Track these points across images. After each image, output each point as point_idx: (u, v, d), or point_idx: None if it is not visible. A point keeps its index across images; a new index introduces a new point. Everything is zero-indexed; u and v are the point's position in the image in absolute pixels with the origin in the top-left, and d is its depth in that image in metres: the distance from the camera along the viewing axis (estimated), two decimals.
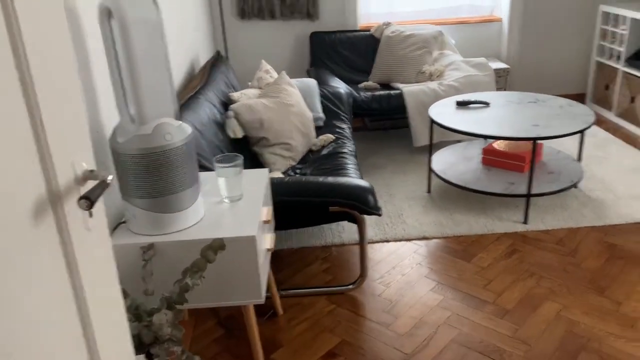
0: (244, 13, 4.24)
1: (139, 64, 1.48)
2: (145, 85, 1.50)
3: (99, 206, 0.97)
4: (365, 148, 3.94)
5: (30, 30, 0.77)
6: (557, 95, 4.68)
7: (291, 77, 4.43)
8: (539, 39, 4.54)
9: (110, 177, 0.86)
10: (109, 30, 1.49)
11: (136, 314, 1.44)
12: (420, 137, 3.70)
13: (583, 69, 4.68)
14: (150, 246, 1.58)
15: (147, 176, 1.54)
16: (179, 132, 1.58)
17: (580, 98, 4.69)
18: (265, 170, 2.00)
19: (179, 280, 1.46)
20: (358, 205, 2.15)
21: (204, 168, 2.17)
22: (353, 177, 2.55)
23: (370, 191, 2.19)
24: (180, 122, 1.60)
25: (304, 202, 2.16)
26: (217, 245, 1.48)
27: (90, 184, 0.90)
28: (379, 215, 2.18)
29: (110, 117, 1.79)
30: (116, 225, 1.69)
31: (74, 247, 0.86)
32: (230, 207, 1.76)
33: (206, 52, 3.84)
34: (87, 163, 0.90)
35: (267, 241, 1.84)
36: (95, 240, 0.94)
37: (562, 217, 2.87)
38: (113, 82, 1.54)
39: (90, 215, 0.91)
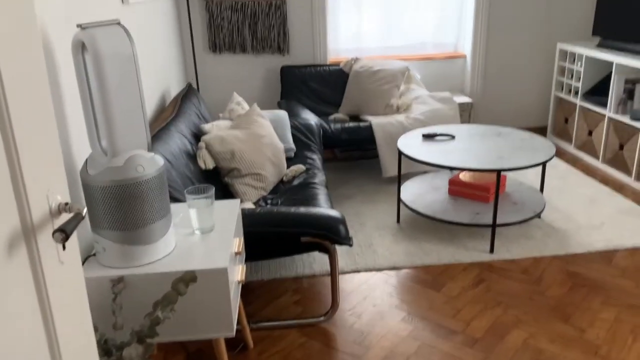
0: (215, 47, 4.30)
1: (112, 96, 1.49)
2: (117, 118, 1.51)
3: (72, 238, 0.97)
4: (335, 178, 3.99)
5: (8, 64, 0.79)
6: (520, 128, 4.85)
7: (262, 109, 4.49)
8: (502, 74, 4.72)
9: (85, 210, 0.86)
10: (82, 63, 1.51)
11: (105, 348, 1.42)
12: (389, 167, 3.77)
13: (544, 103, 4.87)
14: (120, 279, 1.57)
15: (118, 208, 1.53)
16: (151, 164, 1.58)
17: (541, 131, 4.86)
18: (236, 201, 2.01)
19: (149, 314, 1.44)
20: (329, 235, 2.17)
21: (175, 199, 2.17)
22: (324, 208, 2.58)
23: (341, 221, 2.22)
24: (153, 153, 1.61)
25: (275, 233, 2.18)
26: (188, 278, 1.47)
27: (65, 216, 0.90)
28: (350, 245, 2.20)
29: (82, 149, 1.79)
30: (85, 258, 1.67)
31: (47, 281, 0.86)
32: (202, 238, 1.76)
33: (178, 84, 3.86)
34: (61, 196, 0.91)
35: (238, 273, 1.84)
36: (67, 274, 0.93)
37: (527, 247, 2.95)
38: (85, 114, 1.55)
39: (64, 247, 0.91)
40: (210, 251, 1.68)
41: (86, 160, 1.59)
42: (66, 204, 0.89)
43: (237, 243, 1.83)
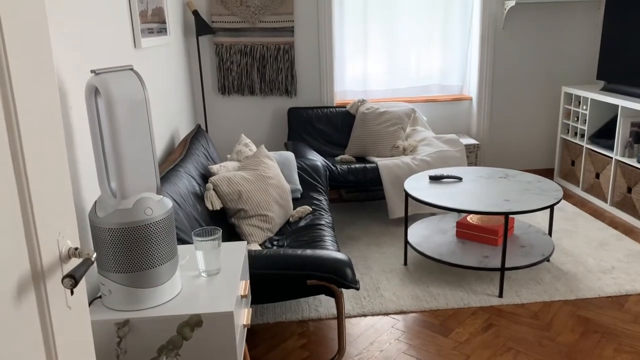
0: (224, 89, 4.38)
1: (123, 139, 1.51)
2: (127, 160, 1.53)
3: (81, 283, 0.96)
4: (341, 219, 3.98)
5: (24, 107, 0.80)
6: (526, 171, 4.86)
7: (269, 150, 4.53)
8: (508, 116, 4.77)
9: (94, 255, 0.86)
10: (95, 107, 1.54)
11: None
12: (395, 209, 3.77)
13: (550, 146, 4.89)
14: (125, 322, 1.55)
15: (125, 251, 1.53)
16: (160, 206, 1.59)
17: (548, 173, 4.87)
18: (243, 243, 2.00)
19: (154, 359, 1.42)
20: (336, 278, 2.15)
21: (182, 241, 2.17)
22: (331, 250, 2.57)
23: (348, 264, 2.20)
24: (161, 196, 1.62)
25: (281, 275, 2.16)
26: (194, 322, 1.46)
27: (74, 261, 0.90)
28: (357, 289, 2.18)
29: (91, 191, 1.80)
30: (91, 300, 1.66)
31: (54, 326, 0.85)
32: (208, 281, 1.75)
33: (187, 125, 3.92)
34: (71, 240, 0.91)
35: (243, 316, 1.82)
36: (75, 318, 0.93)
37: (536, 291, 2.90)
38: (96, 156, 1.57)
39: (72, 293, 0.91)
40: (216, 294, 1.66)
41: (95, 202, 1.60)
42: (76, 249, 0.89)
43: (243, 286, 1.82)
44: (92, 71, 1.49)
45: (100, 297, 1.65)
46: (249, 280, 1.98)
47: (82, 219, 1.70)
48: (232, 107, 4.46)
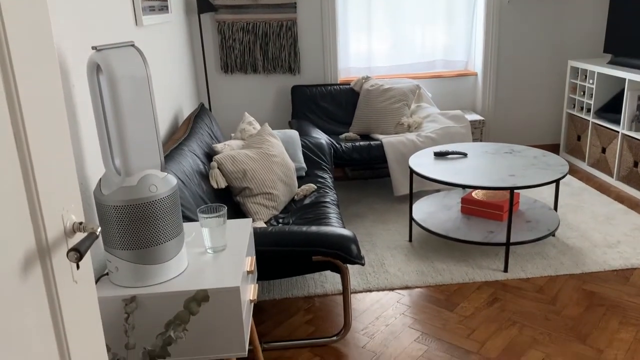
0: (227, 67, 4.35)
1: (126, 116, 1.51)
2: (131, 138, 1.53)
3: (86, 257, 0.97)
4: (346, 197, 3.98)
5: (26, 85, 0.80)
6: (532, 146, 4.83)
7: (273, 128, 4.52)
8: (513, 92, 4.72)
9: (99, 229, 0.87)
10: (97, 84, 1.53)
11: None
12: (400, 186, 3.76)
13: (556, 121, 4.85)
14: (133, 299, 1.56)
15: (131, 228, 1.54)
16: (164, 183, 1.59)
17: (554, 148, 4.84)
18: (248, 220, 2.01)
19: (161, 334, 1.44)
20: (341, 254, 2.16)
21: (187, 219, 2.17)
22: (336, 227, 2.57)
23: (353, 240, 2.21)
24: (166, 173, 1.62)
25: (287, 252, 2.17)
26: (200, 297, 1.47)
27: (79, 236, 0.90)
28: (362, 264, 2.19)
29: (95, 169, 1.80)
30: (98, 277, 1.68)
31: (61, 301, 0.86)
32: (214, 257, 1.76)
33: (190, 104, 3.90)
34: (76, 215, 0.91)
35: (250, 292, 1.83)
36: (81, 293, 0.93)
37: (541, 265, 2.91)
38: (99, 134, 1.57)
39: (78, 267, 0.91)
40: (222, 270, 1.67)
41: (100, 179, 1.60)
42: (80, 223, 0.89)
43: (249, 262, 1.83)
44: (93, 48, 1.48)
45: (107, 274, 1.66)
46: (254, 257, 1.99)
47: (87, 197, 1.71)
48: (235, 86, 4.43)
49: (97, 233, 0.86)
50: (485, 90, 4.65)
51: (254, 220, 2.78)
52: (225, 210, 1.79)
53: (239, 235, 1.90)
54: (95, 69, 1.51)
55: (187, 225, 2.00)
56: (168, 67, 3.27)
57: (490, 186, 2.73)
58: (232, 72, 4.37)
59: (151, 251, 1.58)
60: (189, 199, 2.32)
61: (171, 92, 3.29)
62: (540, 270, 2.86)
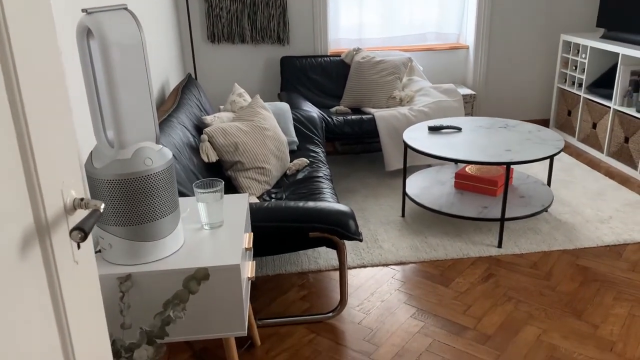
0: (214, 37, 4.21)
1: (119, 85, 1.42)
2: (124, 108, 1.44)
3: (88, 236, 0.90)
4: (337, 172, 3.92)
5: (21, 49, 0.72)
6: (522, 121, 4.81)
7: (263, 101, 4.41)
8: (504, 66, 4.67)
9: (103, 205, 0.80)
10: (87, 49, 1.43)
11: (113, 349, 1.35)
12: (393, 161, 3.71)
13: (547, 96, 4.82)
14: (128, 277, 1.50)
15: (125, 203, 1.47)
16: (160, 156, 1.52)
17: (544, 123, 4.82)
18: (245, 196, 1.94)
19: (160, 313, 1.38)
20: (339, 230, 2.11)
21: (180, 193, 2.10)
22: (331, 202, 2.52)
23: (351, 216, 2.16)
24: (161, 146, 1.54)
25: (283, 228, 2.11)
26: (201, 275, 1.41)
27: (80, 213, 0.83)
28: (360, 240, 2.15)
29: (85, 141, 1.71)
30: None
31: (61, 282, 0.79)
32: (211, 233, 1.70)
33: (176, 74, 3.78)
34: (76, 191, 0.84)
35: (248, 269, 1.77)
36: (82, 273, 0.87)
37: (535, 241, 2.90)
38: (90, 104, 1.48)
39: (79, 246, 0.84)
40: (220, 247, 1.61)
41: (91, 152, 1.51)
42: (82, 199, 0.82)
43: (247, 238, 1.77)
44: (83, 10, 1.38)
45: (99, 251, 1.59)
46: (251, 233, 1.93)
47: None
48: (222, 56, 4.30)
49: (101, 210, 0.79)
50: (477, 64, 4.59)
51: None
52: (222, 185, 1.72)
53: (236, 210, 1.84)
54: (86, 34, 1.41)
55: (180, 201, 1.92)
56: (154, 36, 3.14)
57: (486, 161, 2.70)
58: (219, 41, 4.23)
59: (146, 227, 1.51)
60: (181, 173, 2.24)
61: (158, 62, 3.17)
62: (534, 246, 2.85)
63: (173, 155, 2.23)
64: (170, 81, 3.51)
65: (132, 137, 1.47)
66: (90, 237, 0.91)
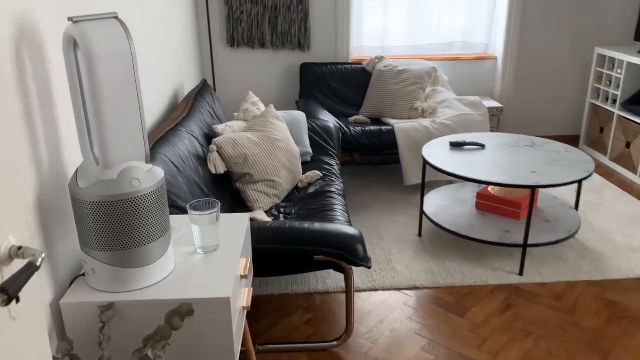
0: (233, 41, 4.11)
1: (106, 99, 1.31)
2: (111, 124, 1.33)
3: (33, 283, 0.78)
4: (352, 184, 3.78)
5: None
6: (551, 137, 4.60)
7: (279, 108, 4.31)
8: (534, 78, 4.47)
9: (41, 259, 0.68)
10: (74, 61, 1.33)
11: None
12: (411, 176, 3.56)
13: (578, 111, 4.60)
14: (110, 306, 1.39)
15: (109, 227, 1.36)
16: (149, 177, 1.40)
17: (574, 140, 4.60)
18: (245, 216, 1.82)
19: (138, 350, 1.26)
20: (346, 256, 1.98)
21: (179, 209, 1.99)
22: (341, 221, 2.39)
23: (359, 240, 2.02)
24: (152, 165, 1.43)
25: (287, 251, 1.99)
26: (184, 311, 1.29)
27: (18, 264, 0.72)
28: (369, 267, 2.00)
29: (76, 157, 1.61)
30: (74, 278, 1.50)
31: None
32: (204, 258, 1.58)
33: (193, 80, 3.69)
34: (15, 237, 0.72)
35: (243, 298, 1.65)
36: (23, 330, 0.75)
37: (559, 270, 2.72)
38: (77, 117, 1.37)
39: (18, 300, 0.73)
40: (212, 275, 1.49)
41: (77, 170, 1.41)
42: (19, 248, 0.70)
43: (243, 265, 1.65)
44: (69, 19, 1.28)
45: (84, 274, 1.49)
46: (250, 257, 1.81)
47: (63, 187, 1.52)
48: (241, 61, 4.20)
49: (38, 263, 0.67)
50: (505, 76, 4.40)
51: (254, 209, 2.60)
52: (219, 207, 1.60)
53: (234, 232, 1.72)
54: (72, 44, 1.31)
55: (177, 219, 1.81)
56: (168, 40, 3.05)
57: (510, 183, 2.53)
58: (239, 46, 4.14)
59: (132, 253, 1.40)
60: (183, 187, 2.13)
61: (171, 67, 3.08)
62: (558, 275, 2.67)
63: (175, 166, 2.13)
64: (185, 87, 3.42)
65: (119, 156, 1.36)
66: (37, 282, 0.79)
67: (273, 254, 2.00)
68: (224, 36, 4.13)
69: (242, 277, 1.61)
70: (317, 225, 2.04)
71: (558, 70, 4.46)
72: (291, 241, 1.98)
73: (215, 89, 4.15)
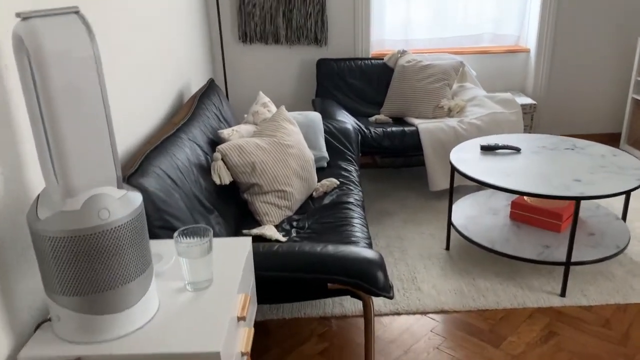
0: (245, 36, 3.86)
1: (63, 113, 1.07)
2: (72, 143, 1.09)
3: None
4: (374, 189, 3.51)
5: None
6: (589, 135, 4.26)
7: (295, 107, 4.05)
8: (570, 72, 4.12)
9: None
10: (27, 66, 1.09)
11: None
12: (438, 181, 3.27)
13: (619, 107, 4.24)
14: None
15: (73, 267, 1.12)
16: (122, 205, 1.16)
17: (614, 138, 4.25)
18: (247, 241, 1.57)
19: None
20: (363, 284, 1.71)
21: (174, 231, 1.75)
22: (359, 238, 2.12)
23: (379, 266, 1.75)
24: (125, 191, 1.18)
25: (296, 279, 1.73)
26: None
27: None
28: (390, 297, 1.74)
29: (41, 180, 1.38)
30: (40, 323, 1.27)
31: None
32: (194, 297, 1.34)
33: (200, 79, 3.45)
34: None
35: (241, 342, 1.40)
36: None
37: (607, 290, 2.41)
38: (35, 135, 1.13)
39: None
40: (202, 319, 1.24)
41: (38, 196, 1.17)
42: None
43: (241, 303, 1.40)
44: (17, 15, 1.03)
45: (50, 319, 1.25)
46: (252, 291, 1.56)
47: (24, 213, 1.29)
48: (254, 58, 3.95)
49: None
50: (539, 70, 4.06)
51: (262, 223, 2.35)
52: (211, 234, 1.35)
53: (233, 261, 1.47)
54: (23, 45, 1.07)
55: (169, 244, 1.57)
56: (175, 34, 2.81)
57: (552, 194, 2.23)
58: (251, 42, 3.88)
59: (103, 297, 1.16)
60: (180, 204, 1.88)
61: (177, 63, 2.84)
62: (606, 297, 2.36)
63: (171, 179, 1.88)
64: (192, 86, 3.19)
65: (82, 182, 1.12)
66: None
67: (281, 282, 1.75)
68: (235, 31, 3.88)
69: (239, 318, 1.36)
70: (331, 249, 1.77)
71: (597, 63, 4.10)
72: (301, 268, 1.72)
73: (226, 88, 3.91)
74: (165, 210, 1.76)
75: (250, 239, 1.59)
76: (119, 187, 1.18)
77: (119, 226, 1.14)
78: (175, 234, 1.35)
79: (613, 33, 4.03)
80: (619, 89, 4.18)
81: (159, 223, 1.74)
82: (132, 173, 1.72)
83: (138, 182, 1.72)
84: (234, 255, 1.51)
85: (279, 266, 1.73)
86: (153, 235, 1.72)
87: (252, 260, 1.61)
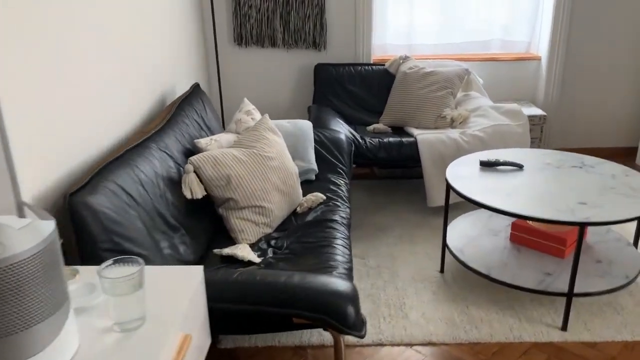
0: (241, 39, 3.70)
1: None
2: None
3: None
4: (370, 202, 3.31)
5: None
6: (602, 149, 4.02)
7: (291, 115, 3.87)
8: (584, 81, 3.88)
9: None
10: None
11: None
12: (436, 196, 3.06)
13: (636, 120, 3.99)
14: None
15: None
16: (25, 237, 0.99)
17: (630, 153, 4.00)
18: (197, 270, 1.39)
19: None
20: (329, 321, 1.52)
21: (130, 254, 1.58)
22: (338, 263, 1.93)
23: (349, 300, 1.56)
24: (29, 220, 1.01)
25: (257, 312, 1.55)
26: None
27: None
28: (361, 337, 1.54)
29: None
30: None
31: None
32: (123, 338, 1.16)
33: (190, 83, 3.29)
34: None
35: None
36: None
37: (613, 324, 2.19)
38: None
39: None
40: None
41: None
42: None
43: (179, 344, 1.22)
44: None
45: None
46: (199, 328, 1.38)
47: None
48: (249, 62, 3.79)
49: None
50: (550, 79, 3.83)
51: (237, 241, 2.17)
52: (142, 267, 1.17)
53: (177, 294, 1.29)
54: None
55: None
56: (158, 35, 2.64)
57: (553, 219, 2.02)
58: (247, 45, 3.72)
59: (4, 343, 0.99)
60: (136, 223, 1.71)
61: (160, 67, 2.67)
62: (612, 332, 2.14)
63: (132, 198, 1.71)
64: (178, 92, 3.02)
65: None
66: None
67: (239, 315, 1.57)
68: (231, 33, 3.72)
69: None
70: (297, 279, 1.59)
71: (612, 72, 3.86)
72: (262, 301, 1.53)
73: (220, 94, 3.74)
74: (114, 231, 1.59)
75: (201, 267, 1.41)
76: (20, 215, 1.01)
77: (20, 261, 0.97)
78: (101, 266, 1.17)
79: (630, 40, 3.79)
80: (636, 100, 3.94)
81: (107, 245, 1.57)
82: (75, 190, 1.55)
83: (83, 200, 1.55)
84: (179, 287, 1.33)
85: (237, 298, 1.54)
86: (99, 260, 1.55)
87: (204, 292, 1.43)
